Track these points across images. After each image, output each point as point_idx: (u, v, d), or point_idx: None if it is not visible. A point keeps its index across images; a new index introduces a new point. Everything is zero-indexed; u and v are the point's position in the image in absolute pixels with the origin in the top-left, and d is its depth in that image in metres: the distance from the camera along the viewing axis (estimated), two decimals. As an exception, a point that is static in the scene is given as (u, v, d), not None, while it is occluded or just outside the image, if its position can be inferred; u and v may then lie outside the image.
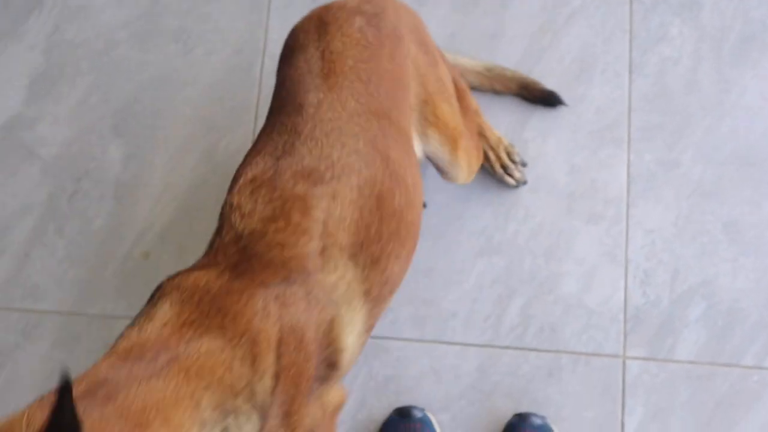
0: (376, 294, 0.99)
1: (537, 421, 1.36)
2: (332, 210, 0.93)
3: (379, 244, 0.98)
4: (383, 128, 1.02)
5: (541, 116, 1.53)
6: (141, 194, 1.55)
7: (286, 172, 0.94)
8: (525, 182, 1.49)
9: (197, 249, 1.52)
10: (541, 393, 1.42)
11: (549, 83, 1.53)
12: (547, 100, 1.51)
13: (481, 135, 1.46)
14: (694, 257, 1.46)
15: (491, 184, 1.51)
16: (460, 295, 1.47)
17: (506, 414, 1.41)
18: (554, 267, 1.47)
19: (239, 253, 0.90)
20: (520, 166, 1.49)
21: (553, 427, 1.38)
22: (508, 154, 1.48)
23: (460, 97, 1.29)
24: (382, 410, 1.43)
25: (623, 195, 1.50)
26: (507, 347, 1.44)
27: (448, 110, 1.19)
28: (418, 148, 1.19)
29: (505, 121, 1.53)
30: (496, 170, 1.47)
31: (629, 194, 1.50)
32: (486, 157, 1.47)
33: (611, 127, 1.52)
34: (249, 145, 1.56)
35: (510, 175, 1.47)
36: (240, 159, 1.56)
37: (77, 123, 1.59)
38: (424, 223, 1.49)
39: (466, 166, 1.28)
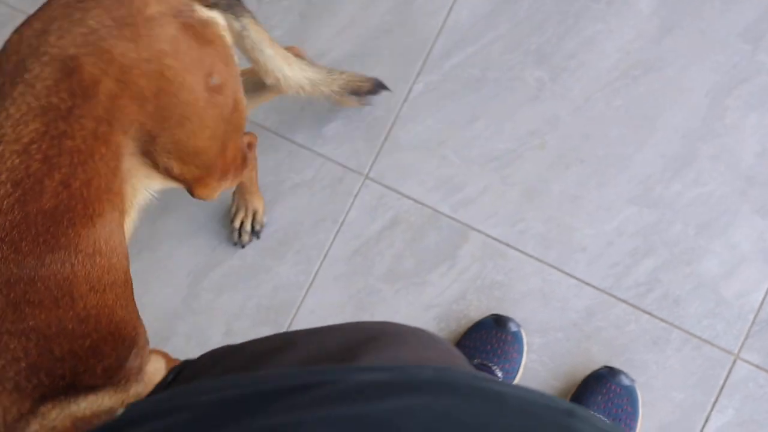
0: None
1: (626, 381, 1.32)
2: None
3: None
4: None
5: (752, 88, 1.42)
6: (326, 20, 1.53)
7: None
8: (243, 247, 1.49)
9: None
10: (639, 357, 1.37)
11: (775, 57, 1.41)
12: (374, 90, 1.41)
13: (245, 191, 1.42)
14: None
15: (673, 137, 1.42)
16: (598, 232, 1.41)
17: (597, 362, 1.37)
18: (703, 242, 1.39)
19: None
20: (252, 236, 1.48)
21: (639, 393, 1.34)
22: (254, 222, 1.46)
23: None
24: (479, 311, 1.41)
25: (805, 198, 1.39)
26: (623, 301, 1.39)
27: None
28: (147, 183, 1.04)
29: (709, 81, 1.43)
30: (233, 224, 1.47)
31: (812, 200, 1.38)
32: (235, 207, 1.46)
33: (822, 126, 1.40)
34: (445, 13, 1.50)
35: (239, 236, 1.47)
36: (431, 24, 1.51)
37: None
38: (590, 151, 1.43)
39: (207, 196, 1.14)
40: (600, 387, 1.33)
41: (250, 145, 1.28)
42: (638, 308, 1.39)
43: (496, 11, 1.48)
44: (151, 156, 0.98)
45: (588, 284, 1.40)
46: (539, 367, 1.38)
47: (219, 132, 1.03)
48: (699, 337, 1.37)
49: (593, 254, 1.41)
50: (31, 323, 0.86)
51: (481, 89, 1.47)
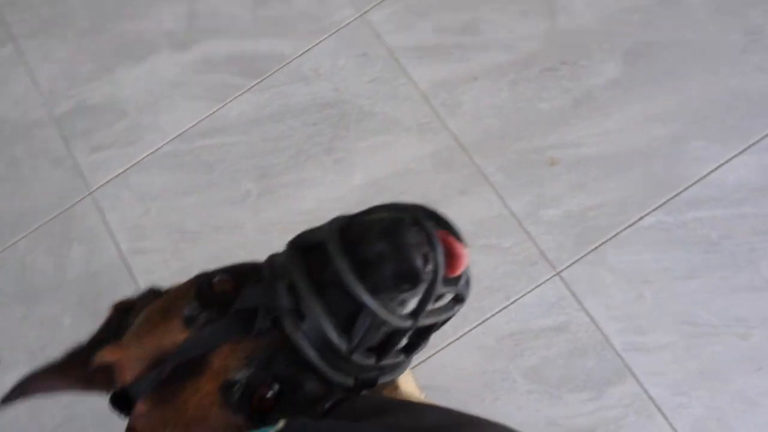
0: None
1: None
2: None
3: None
4: None
5: None
6: (597, 118, 1.53)
7: None
8: None
9: (592, 199, 1.49)
10: None
11: None
12: None
13: None
14: None
15: None
16: (755, 449, 1.32)
17: None
18: None
19: None
20: None
21: None
22: None
23: None
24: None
25: None
26: None
27: None
28: None
29: None
30: None
31: None
32: None
33: None
34: (713, 166, 1.46)
35: None
36: (693, 169, 1.47)
37: (605, 12, 1.59)
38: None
39: None
40: None
41: None
42: None
43: (766, 189, 1.43)
44: None
45: (719, 492, 1.31)
46: None
47: None
48: None
49: (740, 467, 1.32)
50: None
51: (711, 254, 1.41)
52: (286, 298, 0.61)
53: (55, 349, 1.55)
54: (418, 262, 0.57)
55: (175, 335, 0.66)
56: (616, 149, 1.51)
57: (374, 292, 0.58)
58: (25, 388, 0.75)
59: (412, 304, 0.62)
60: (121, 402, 0.69)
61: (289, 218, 1.58)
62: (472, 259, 1.47)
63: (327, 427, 0.52)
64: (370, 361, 0.63)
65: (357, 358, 0.61)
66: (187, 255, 1.59)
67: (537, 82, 1.59)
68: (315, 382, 0.62)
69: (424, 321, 0.62)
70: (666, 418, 1.35)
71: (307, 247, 0.64)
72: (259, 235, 1.57)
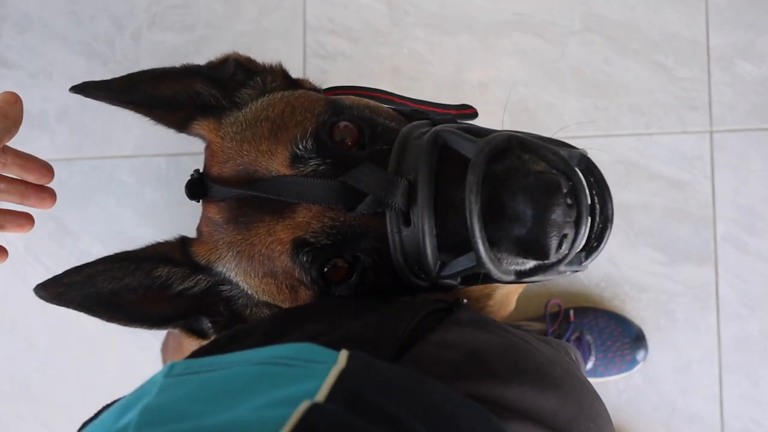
0: None
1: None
2: None
3: None
4: None
5: None
6: None
7: None
8: None
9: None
10: None
11: None
12: None
13: None
14: None
15: None
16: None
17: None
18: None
19: None
20: None
21: None
22: None
23: None
24: (636, 312, 1.32)
25: None
26: None
27: None
28: None
29: None
30: None
31: None
32: None
33: None
34: None
35: None
36: None
37: None
38: None
39: None
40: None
41: None
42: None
43: None
44: None
45: (719, 403, 1.29)
46: (614, 399, 1.32)
47: None
48: None
49: None
50: None
51: None
52: (401, 198, 0.52)
53: (195, 22, 1.43)
54: (553, 244, 0.48)
55: (275, 165, 0.59)
56: None
57: (494, 245, 0.50)
58: (136, 77, 0.66)
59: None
60: (197, 186, 0.64)
61: None
62: (637, 70, 1.31)
63: (393, 376, 0.44)
64: (453, 283, 0.57)
65: (441, 281, 0.56)
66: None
67: None
68: (389, 277, 0.58)
69: (528, 280, 0.55)
70: (718, 319, 1.29)
71: (449, 149, 0.54)
72: None
